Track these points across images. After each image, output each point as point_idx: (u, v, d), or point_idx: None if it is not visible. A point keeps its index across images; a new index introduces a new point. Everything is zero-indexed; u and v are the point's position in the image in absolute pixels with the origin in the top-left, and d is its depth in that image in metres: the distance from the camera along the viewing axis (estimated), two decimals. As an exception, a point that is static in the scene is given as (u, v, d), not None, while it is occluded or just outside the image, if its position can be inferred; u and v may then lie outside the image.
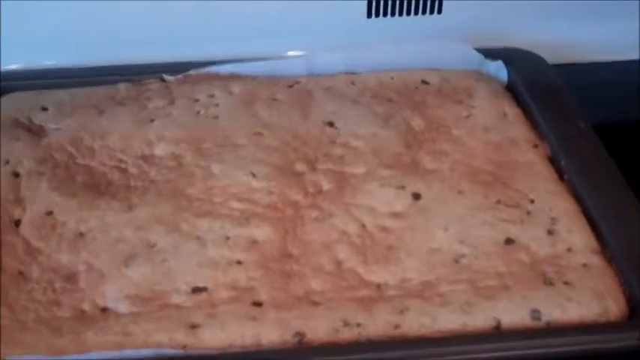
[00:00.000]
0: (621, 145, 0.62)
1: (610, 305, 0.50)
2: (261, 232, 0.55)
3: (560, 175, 0.60)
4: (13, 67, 0.73)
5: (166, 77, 0.70)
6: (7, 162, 0.60)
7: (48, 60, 0.74)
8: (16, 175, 0.59)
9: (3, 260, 0.53)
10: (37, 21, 0.73)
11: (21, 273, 0.52)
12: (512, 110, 0.66)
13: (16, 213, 0.57)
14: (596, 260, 0.53)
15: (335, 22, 0.77)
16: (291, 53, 0.74)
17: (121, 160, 0.61)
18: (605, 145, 0.62)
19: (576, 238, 0.55)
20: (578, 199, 0.58)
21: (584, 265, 0.53)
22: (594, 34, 0.79)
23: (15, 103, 0.67)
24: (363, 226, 0.56)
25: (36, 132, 0.64)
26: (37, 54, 0.74)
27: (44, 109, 0.66)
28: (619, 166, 0.60)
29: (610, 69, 0.80)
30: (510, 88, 0.70)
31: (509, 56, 0.72)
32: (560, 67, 0.73)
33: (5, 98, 0.67)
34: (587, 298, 0.51)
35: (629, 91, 0.77)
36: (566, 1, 0.78)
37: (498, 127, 0.64)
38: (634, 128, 0.72)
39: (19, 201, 0.57)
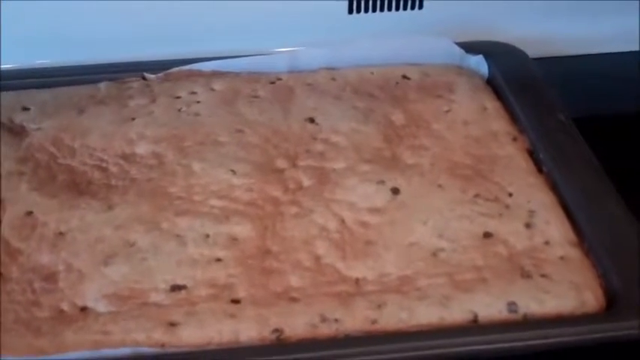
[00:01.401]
0: (603, 138, 0.62)
1: (587, 297, 0.51)
2: (241, 229, 0.55)
3: (539, 167, 0.61)
4: (-5, 67, 0.73)
5: (148, 75, 0.70)
6: (-12, 163, 0.60)
7: (29, 60, 0.74)
8: (-4, 175, 0.60)
9: (-17, 261, 0.53)
10: (18, 21, 0.73)
11: (0, 274, 0.53)
12: (492, 104, 0.67)
13: (-4, 214, 0.57)
14: (574, 253, 0.54)
15: (316, 19, 0.77)
16: (273, 50, 0.74)
17: (101, 160, 0.61)
18: (587, 138, 0.62)
19: (554, 230, 0.55)
20: (556, 191, 0.58)
21: (562, 257, 0.53)
22: (576, 27, 0.79)
23: (-4, 104, 0.67)
24: (343, 221, 0.56)
25: (17, 132, 0.64)
26: (18, 54, 0.74)
27: (25, 109, 0.66)
28: (601, 159, 0.60)
29: (592, 62, 0.80)
30: (491, 82, 0.70)
31: (489, 50, 0.72)
32: (541, 61, 0.73)
33: (-14, 99, 0.67)
34: (564, 291, 0.51)
35: (612, 84, 0.77)
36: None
37: (478, 121, 0.65)
38: (616, 121, 0.73)
39: (-2, 202, 0.58)
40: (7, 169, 0.60)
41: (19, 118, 0.65)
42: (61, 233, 0.55)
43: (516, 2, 0.79)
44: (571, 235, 0.55)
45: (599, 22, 0.79)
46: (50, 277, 0.52)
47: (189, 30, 0.76)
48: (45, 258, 0.53)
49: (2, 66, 0.73)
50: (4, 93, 0.68)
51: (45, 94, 0.68)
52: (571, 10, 0.79)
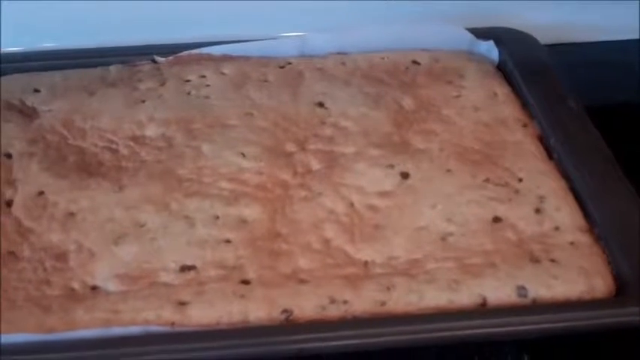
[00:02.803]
0: (613, 125, 0.62)
1: (597, 283, 0.51)
2: (250, 211, 0.56)
3: (550, 154, 0.60)
4: (6, 50, 0.73)
5: (158, 59, 0.70)
6: (-1, 144, 0.61)
7: (41, 42, 0.74)
8: (8, 156, 0.60)
9: (-6, 240, 0.54)
10: (31, 4, 0.73)
11: (12, 253, 0.53)
12: (502, 90, 0.67)
13: (8, 194, 0.57)
14: (584, 238, 0.54)
15: (327, 4, 0.76)
16: (283, 34, 0.74)
17: (111, 141, 0.62)
18: (597, 125, 0.62)
19: (564, 216, 0.55)
20: (566, 178, 0.58)
21: (572, 243, 0.53)
22: (588, 14, 0.79)
23: (7, 86, 0.67)
24: (352, 205, 0.56)
25: (28, 114, 0.64)
26: (29, 36, 0.74)
27: (36, 90, 0.67)
28: (611, 146, 0.60)
29: (603, 49, 0.80)
30: (501, 68, 0.70)
31: (500, 36, 0.72)
32: (552, 47, 0.73)
33: (-2, 80, 0.68)
34: (573, 276, 0.51)
35: (622, 72, 0.77)
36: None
37: (488, 107, 0.65)
38: (627, 108, 0.72)
39: (10, 182, 0.58)
40: (19, 149, 0.60)
41: (30, 99, 0.65)
42: (71, 213, 0.55)
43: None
44: (581, 221, 0.55)
45: (611, 9, 0.78)
46: (61, 256, 0.53)
47: (200, 14, 0.76)
48: (56, 237, 0.54)
49: (14, 48, 0.73)
50: (15, 75, 0.68)
51: (56, 77, 0.68)
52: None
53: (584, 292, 0.50)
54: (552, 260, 0.52)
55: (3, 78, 0.68)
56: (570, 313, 0.49)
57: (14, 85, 0.67)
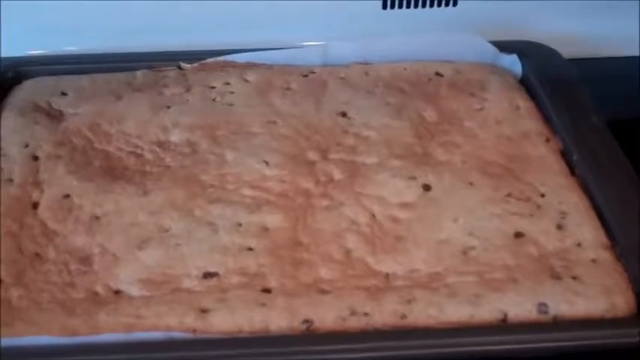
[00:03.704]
0: (636, 141, 0.62)
1: (618, 301, 0.51)
2: (273, 219, 0.56)
3: (572, 169, 0.61)
4: (35, 52, 0.74)
5: (183, 65, 0.71)
6: (27, 145, 0.61)
7: (69, 46, 0.75)
8: (35, 158, 0.61)
9: (21, 242, 0.54)
10: (59, 8, 0.74)
11: (38, 255, 0.54)
12: (525, 104, 0.67)
13: (34, 195, 0.58)
14: (606, 256, 0.54)
15: (351, 13, 0.77)
16: (307, 43, 0.75)
17: (137, 146, 0.62)
18: (619, 140, 0.62)
19: (586, 233, 0.55)
20: (588, 193, 0.58)
21: (593, 260, 0.53)
22: (611, 28, 0.79)
23: (35, 88, 0.68)
24: (373, 216, 0.57)
25: (55, 116, 0.65)
26: (58, 40, 0.75)
27: (64, 94, 0.67)
28: (634, 162, 0.60)
29: (627, 64, 0.80)
30: (524, 82, 0.70)
31: (523, 50, 0.72)
32: (575, 62, 0.72)
33: (27, 83, 0.68)
34: (595, 293, 0.51)
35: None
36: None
37: (511, 120, 0.65)
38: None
39: (37, 184, 0.58)
40: (46, 152, 0.61)
41: (58, 102, 0.66)
42: (96, 217, 0.56)
43: (551, 2, 0.78)
44: (603, 238, 0.55)
45: (635, 24, 0.78)
46: (85, 259, 0.53)
47: (225, 21, 0.76)
48: (80, 240, 0.54)
49: (42, 51, 0.74)
50: (43, 78, 0.69)
51: (83, 80, 0.69)
52: (607, 11, 0.79)
53: (605, 310, 0.50)
54: (574, 277, 0.52)
55: (31, 80, 0.69)
56: (590, 332, 0.49)
57: (42, 87, 0.68)
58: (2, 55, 0.71)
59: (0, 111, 0.65)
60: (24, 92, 0.67)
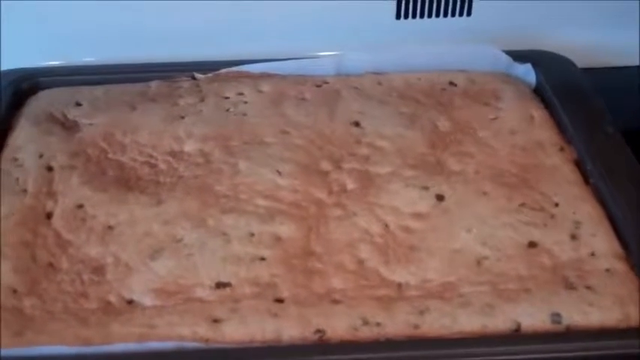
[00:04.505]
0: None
1: (632, 311, 0.50)
2: (285, 229, 0.56)
3: (586, 179, 0.60)
4: (51, 63, 0.75)
5: (197, 75, 0.71)
6: (41, 156, 0.62)
7: (84, 57, 0.76)
8: (50, 168, 0.61)
9: (35, 252, 0.54)
10: (74, 19, 0.75)
11: (51, 264, 0.54)
12: (539, 113, 0.66)
13: (49, 205, 0.58)
14: (620, 266, 0.53)
15: (364, 23, 0.77)
16: (320, 53, 0.75)
17: (150, 156, 0.62)
18: (633, 150, 0.62)
19: (600, 243, 0.55)
20: (602, 203, 0.58)
21: (607, 270, 0.53)
22: (625, 38, 0.78)
23: (50, 99, 0.68)
24: (386, 225, 0.56)
25: (70, 127, 0.65)
26: (73, 51, 0.76)
27: (78, 104, 0.68)
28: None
29: (641, 73, 0.80)
30: (538, 91, 0.70)
31: (537, 59, 0.72)
32: (589, 71, 0.72)
33: (42, 93, 0.69)
34: (608, 304, 0.51)
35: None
36: (597, 5, 0.78)
37: (525, 130, 0.64)
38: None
39: (51, 194, 0.59)
40: (60, 162, 0.61)
41: (72, 113, 0.67)
42: (110, 227, 0.56)
43: (566, 11, 0.78)
44: (617, 247, 0.54)
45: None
46: (98, 269, 0.53)
47: (238, 31, 0.77)
48: (94, 250, 0.55)
49: (58, 63, 0.75)
50: (58, 88, 0.69)
51: (97, 91, 0.69)
52: (621, 20, 0.79)
53: (619, 320, 0.50)
54: (587, 287, 0.52)
55: (46, 91, 0.69)
56: (604, 342, 0.49)
57: (57, 98, 0.68)
58: (18, 66, 0.71)
59: (16, 121, 0.65)
60: (39, 103, 0.68)
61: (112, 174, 0.61)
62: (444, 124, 0.66)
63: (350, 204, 0.58)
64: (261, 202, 0.58)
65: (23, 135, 0.64)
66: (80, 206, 0.58)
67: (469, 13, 0.78)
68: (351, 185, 0.60)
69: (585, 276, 0.52)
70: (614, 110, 0.67)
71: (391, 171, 0.61)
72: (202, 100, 0.68)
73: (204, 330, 0.49)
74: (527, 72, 0.71)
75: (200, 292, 0.52)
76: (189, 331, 0.49)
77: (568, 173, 0.60)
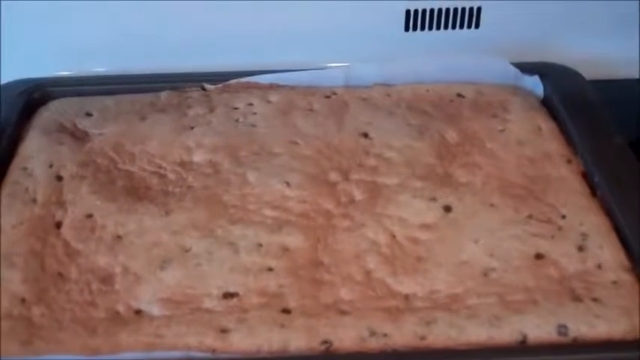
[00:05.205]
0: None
1: (638, 323, 0.50)
2: (293, 239, 0.56)
3: (593, 190, 0.60)
4: (61, 73, 0.76)
5: (207, 86, 0.72)
6: (51, 165, 0.62)
7: (94, 67, 0.76)
8: (59, 178, 0.61)
9: (44, 261, 0.55)
10: (85, 30, 0.76)
11: (60, 274, 0.54)
12: (547, 125, 0.67)
13: (58, 215, 0.58)
14: (626, 278, 0.53)
15: (373, 35, 0.78)
16: (329, 65, 0.75)
17: (160, 166, 0.63)
18: (640, 161, 0.62)
19: (607, 254, 0.55)
20: (610, 215, 0.58)
21: (614, 282, 0.53)
22: (633, 50, 0.79)
23: (61, 109, 0.69)
24: (394, 236, 0.57)
25: (80, 137, 0.66)
26: (83, 61, 0.76)
27: (88, 114, 0.68)
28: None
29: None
30: (546, 103, 0.70)
31: (545, 71, 0.72)
32: (597, 83, 0.72)
33: (52, 103, 0.70)
34: (615, 315, 0.51)
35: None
36: (606, 18, 0.78)
37: (533, 142, 0.65)
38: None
39: (60, 203, 0.59)
40: (70, 172, 0.62)
41: (83, 123, 0.67)
42: (119, 236, 0.57)
43: (573, 24, 0.79)
44: (624, 259, 0.54)
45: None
46: (107, 278, 0.54)
47: (248, 43, 0.77)
48: (103, 260, 0.55)
49: (68, 73, 0.76)
50: (69, 98, 0.70)
51: (108, 101, 0.70)
52: (629, 32, 0.79)
53: (626, 331, 0.50)
54: (594, 299, 0.52)
55: (57, 101, 0.70)
56: (611, 353, 0.49)
57: (67, 108, 0.69)
58: (29, 77, 0.72)
59: (26, 131, 0.66)
60: (49, 112, 0.68)
61: (121, 184, 0.61)
62: (452, 135, 0.66)
63: (358, 215, 0.58)
64: (269, 212, 0.58)
65: (33, 144, 0.64)
66: (89, 216, 0.58)
67: (477, 26, 0.78)
68: (359, 196, 0.60)
69: (592, 288, 0.52)
70: (621, 122, 0.67)
71: (399, 182, 0.61)
72: (212, 110, 0.69)
73: (211, 340, 0.50)
74: (535, 84, 0.71)
75: (208, 302, 0.52)
76: (197, 341, 0.50)
77: (575, 185, 0.60)
